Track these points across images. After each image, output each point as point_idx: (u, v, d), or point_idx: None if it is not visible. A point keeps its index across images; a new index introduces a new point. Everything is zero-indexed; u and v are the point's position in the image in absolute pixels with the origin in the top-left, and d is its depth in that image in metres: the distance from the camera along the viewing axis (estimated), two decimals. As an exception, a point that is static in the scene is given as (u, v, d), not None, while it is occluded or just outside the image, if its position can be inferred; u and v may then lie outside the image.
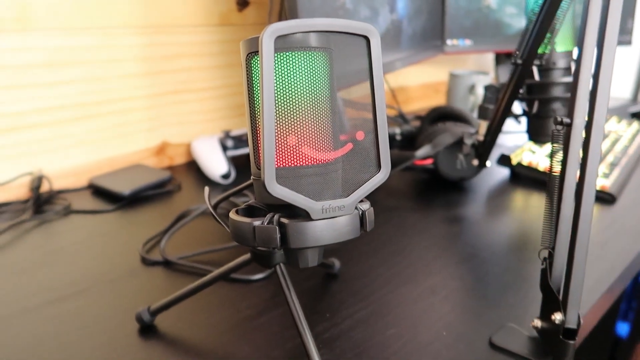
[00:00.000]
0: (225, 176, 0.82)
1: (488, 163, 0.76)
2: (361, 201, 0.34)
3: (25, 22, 0.72)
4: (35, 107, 0.75)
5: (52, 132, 0.77)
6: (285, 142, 0.30)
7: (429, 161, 0.79)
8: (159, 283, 0.54)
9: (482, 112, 0.70)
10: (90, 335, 0.45)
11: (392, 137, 0.96)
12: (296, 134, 0.30)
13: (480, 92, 1.14)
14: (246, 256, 0.42)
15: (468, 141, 0.74)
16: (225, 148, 0.86)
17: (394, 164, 0.79)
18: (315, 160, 0.31)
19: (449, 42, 1.15)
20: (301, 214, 0.31)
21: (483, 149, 0.73)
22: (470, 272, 0.55)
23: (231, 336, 0.45)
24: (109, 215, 0.71)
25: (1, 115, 0.72)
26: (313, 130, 0.30)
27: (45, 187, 0.76)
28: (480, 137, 0.74)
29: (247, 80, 0.32)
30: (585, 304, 0.49)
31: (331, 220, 0.31)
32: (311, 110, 0.30)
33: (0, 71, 0.71)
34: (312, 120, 0.30)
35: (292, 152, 0.30)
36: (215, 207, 0.40)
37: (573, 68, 0.66)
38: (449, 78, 1.22)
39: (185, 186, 0.81)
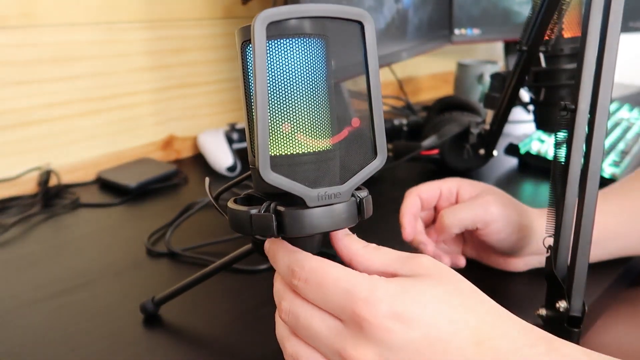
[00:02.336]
0: (231, 169, 0.82)
1: (495, 152, 0.75)
2: (359, 189, 0.33)
3: (31, 17, 0.72)
4: (43, 102, 0.75)
5: (59, 127, 0.78)
6: (279, 129, 0.30)
7: (435, 151, 0.79)
8: (164, 274, 0.54)
9: (489, 101, 0.69)
10: (96, 326, 0.45)
11: (399, 128, 0.96)
12: (290, 122, 0.30)
13: (488, 81, 1.13)
14: (247, 246, 0.42)
15: (474, 130, 0.74)
16: (231, 141, 0.86)
17: (400, 154, 0.78)
18: (310, 147, 0.30)
19: (456, 31, 1.14)
20: (298, 202, 0.30)
21: (490, 138, 0.72)
22: (476, 261, 0.55)
23: (234, 326, 0.45)
24: (116, 208, 0.71)
25: (9, 110, 0.73)
26: (308, 117, 0.30)
27: (53, 182, 0.76)
28: (487, 127, 0.73)
29: (243, 69, 0.32)
30: (594, 293, 0.49)
31: (328, 208, 0.30)
32: (306, 97, 0.30)
33: (7, 67, 0.71)
34: (307, 107, 0.30)
35: (286, 139, 0.30)
36: (217, 197, 0.40)
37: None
38: (457, 68, 1.21)
39: (191, 179, 0.82)
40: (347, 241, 0.33)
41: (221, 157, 0.83)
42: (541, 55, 0.65)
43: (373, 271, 0.31)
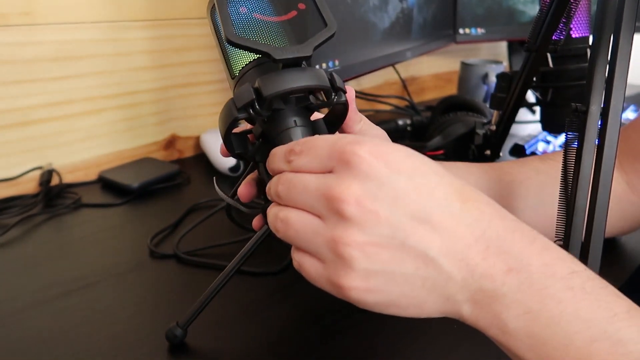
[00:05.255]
0: (234, 169, 0.81)
1: (501, 154, 0.74)
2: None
3: (33, 16, 0.71)
4: (44, 101, 0.75)
5: (61, 127, 0.77)
6: (238, 11, 0.33)
7: (440, 152, 0.78)
8: (167, 276, 0.54)
9: (495, 102, 0.68)
10: (98, 329, 0.45)
11: (403, 128, 0.95)
12: (245, 6, 0.33)
13: (493, 80, 1.12)
14: (263, 229, 0.41)
15: (480, 131, 0.73)
16: (234, 141, 0.85)
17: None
18: (267, 22, 0.33)
19: (461, 30, 1.13)
20: None
21: (496, 139, 0.72)
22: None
23: (242, 324, 0.44)
24: (118, 208, 0.71)
25: (10, 110, 0.72)
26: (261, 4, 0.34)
27: (54, 181, 0.76)
28: (493, 127, 0.72)
29: (215, 32, 0.37)
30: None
31: (299, 69, 0.32)
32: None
33: (9, 66, 0.71)
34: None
35: (245, 20, 0.33)
36: (233, 195, 0.39)
37: (589, 54, 0.64)
38: (461, 67, 1.20)
39: (194, 179, 0.81)
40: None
41: (224, 157, 0.82)
42: (548, 56, 0.64)
43: None
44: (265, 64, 0.34)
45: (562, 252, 0.29)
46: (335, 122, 0.38)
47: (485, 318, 0.28)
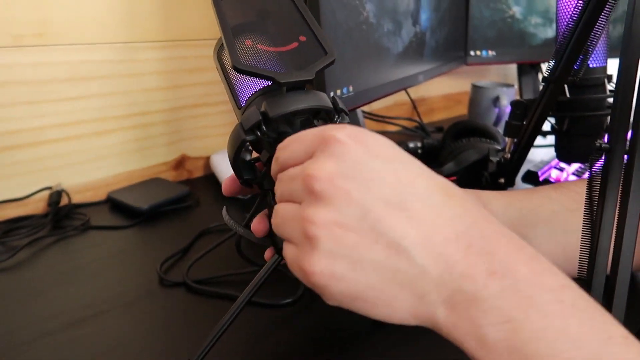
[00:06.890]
0: (244, 191, 0.81)
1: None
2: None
3: (47, 37, 0.71)
4: (55, 122, 0.74)
5: (72, 147, 0.77)
6: (244, 43, 0.35)
7: (452, 178, 0.77)
8: (177, 306, 0.53)
9: (510, 130, 0.67)
10: (106, 363, 0.44)
11: (414, 151, 0.94)
12: (250, 39, 0.35)
13: (504, 104, 1.11)
14: (273, 258, 0.40)
15: (494, 158, 0.72)
16: (244, 162, 0.85)
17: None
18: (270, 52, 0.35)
19: (472, 52, 1.13)
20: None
21: (510, 167, 0.71)
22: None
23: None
24: (127, 231, 0.70)
25: (22, 130, 0.72)
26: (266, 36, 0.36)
27: (63, 201, 0.75)
28: (507, 155, 0.71)
29: (222, 71, 0.40)
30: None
31: (302, 91, 0.34)
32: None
33: (22, 86, 0.70)
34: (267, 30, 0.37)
35: (250, 50, 0.34)
36: (246, 225, 0.39)
37: (607, 84, 0.63)
38: (472, 90, 1.19)
39: (203, 201, 0.80)
40: None
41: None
42: (565, 85, 0.63)
43: None
44: (270, 92, 0.36)
45: (554, 267, 0.27)
46: None
47: (461, 326, 0.25)
